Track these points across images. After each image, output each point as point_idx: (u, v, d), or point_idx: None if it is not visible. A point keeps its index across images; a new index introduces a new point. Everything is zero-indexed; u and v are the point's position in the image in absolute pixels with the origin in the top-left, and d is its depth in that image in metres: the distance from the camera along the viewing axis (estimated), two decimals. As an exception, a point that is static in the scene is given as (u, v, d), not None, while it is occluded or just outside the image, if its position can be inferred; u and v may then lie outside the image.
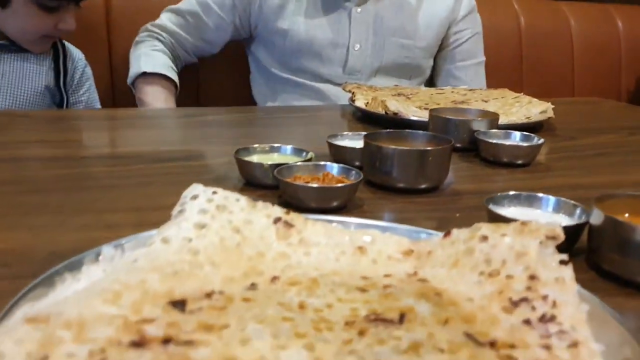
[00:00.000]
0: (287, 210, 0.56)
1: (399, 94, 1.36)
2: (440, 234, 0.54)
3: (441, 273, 0.50)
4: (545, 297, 0.43)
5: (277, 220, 0.55)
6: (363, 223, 0.59)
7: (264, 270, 0.49)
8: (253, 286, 0.46)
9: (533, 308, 0.43)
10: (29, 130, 1.09)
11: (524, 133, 0.97)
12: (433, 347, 0.37)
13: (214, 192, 0.56)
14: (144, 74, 1.51)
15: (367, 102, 1.25)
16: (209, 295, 0.43)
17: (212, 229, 0.52)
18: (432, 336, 0.39)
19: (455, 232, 0.53)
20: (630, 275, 0.53)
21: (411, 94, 1.37)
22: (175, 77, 1.56)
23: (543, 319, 0.41)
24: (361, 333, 0.39)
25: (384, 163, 0.77)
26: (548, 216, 0.64)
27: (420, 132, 0.86)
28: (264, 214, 0.56)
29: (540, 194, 0.66)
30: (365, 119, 1.26)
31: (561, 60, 2.23)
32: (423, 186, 0.78)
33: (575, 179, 0.90)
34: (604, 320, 0.43)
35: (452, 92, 1.42)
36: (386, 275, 0.50)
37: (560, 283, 0.44)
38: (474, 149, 0.98)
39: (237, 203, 0.56)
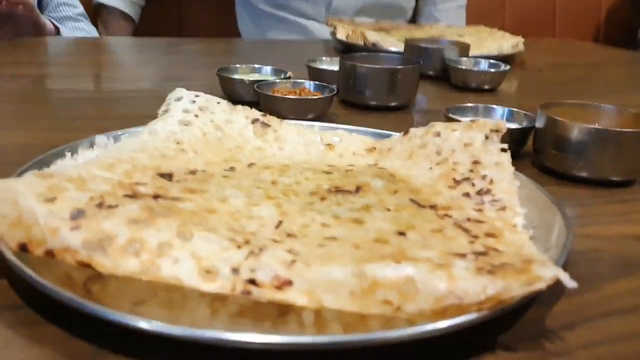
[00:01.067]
0: (264, 113, 0.62)
1: (379, 29, 1.40)
2: (401, 134, 0.61)
3: (398, 164, 0.57)
4: (484, 177, 0.50)
5: (255, 120, 0.61)
6: (333, 126, 0.65)
7: (241, 159, 0.55)
8: (232, 169, 0.52)
9: (473, 185, 0.49)
10: (11, 54, 1.13)
11: (492, 61, 1.03)
12: (382, 208, 0.44)
13: (197, 95, 0.62)
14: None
15: (348, 35, 1.30)
16: (192, 172, 0.49)
17: (195, 125, 0.58)
18: (382, 201, 0.46)
19: (412, 130, 0.60)
20: (566, 168, 0.60)
21: (391, 29, 1.41)
22: (132, 12, 1.62)
23: (480, 192, 0.48)
24: (322, 199, 0.46)
25: (357, 82, 0.83)
26: (502, 125, 0.71)
27: (393, 55, 0.91)
28: (243, 115, 0.62)
29: (495, 105, 0.72)
30: (345, 51, 1.30)
31: (543, 6, 2.27)
32: (393, 104, 0.84)
33: (535, 103, 0.96)
34: (531, 193, 0.50)
35: (431, 27, 1.47)
36: (350, 165, 0.56)
37: (499, 166, 0.51)
38: (446, 77, 1.04)
39: (219, 105, 0.62)
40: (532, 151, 0.66)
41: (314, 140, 0.61)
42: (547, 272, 0.31)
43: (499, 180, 0.49)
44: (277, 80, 0.81)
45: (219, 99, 0.62)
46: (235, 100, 0.82)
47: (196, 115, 0.59)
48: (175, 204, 0.40)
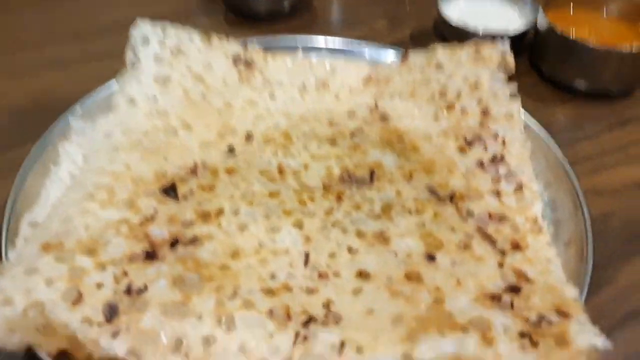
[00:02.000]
0: (243, 45, 0.56)
1: None
2: (398, 61, 0.56)
3: (400, 106, 0.53)
4: (496, 136, 0.48)
5: (236, 59, 0.55)
6: (320, 44, 0.59)
7: (236, 126, 0.50)
8: (231, 151, 0.48)
9: (485, 148, 0.48)
10: None
11: None
12: (402, 208, 0.43)
13: (163, 31, 0.54)
14: None
15: None
16: (193, 171, 0.46)
17: (174, 81, 0.52)
18: (400, 194, 0.44)
19: (412, 57, 0.55)
20: (566, 80, 0.58)
21: None
22: None
23: (494, 160, 0.47)
24: (339, 198, 0.44)
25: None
26: (497, 11, 0.65)
27: None
28: (221, 53, 0.55)
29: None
30: None
31: None
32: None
33: None
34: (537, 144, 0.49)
35: None
36: (350, 114, 0.53)
37: (509, 118, 0.49)
38: None
39: (192, 44, 0.54)
40: (529, 45, 0.62)
41: (305, 76, 0.56)
42: (584, 340, 0.33)
43: (511, 141, 0.48)
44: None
45: (189, 33, 0.55)
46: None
47: (170, 65, 0.53)
48: (196, 253, 0.39)
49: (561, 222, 0.44)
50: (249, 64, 0.55)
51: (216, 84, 0.53)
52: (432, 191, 0.45)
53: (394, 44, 0.59)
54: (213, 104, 0.52)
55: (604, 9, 0.61)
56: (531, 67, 0.62)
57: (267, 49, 0.56)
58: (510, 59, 0.51)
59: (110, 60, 0.56)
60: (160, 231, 0.40)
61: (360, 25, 0.67)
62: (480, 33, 0.59)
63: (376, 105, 0.54)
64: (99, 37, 0.65)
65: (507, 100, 0.50)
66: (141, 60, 0.52)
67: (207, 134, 0.49)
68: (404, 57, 0.55)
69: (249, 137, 0.50)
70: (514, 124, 0.49)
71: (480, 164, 0.47)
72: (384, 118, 0.52)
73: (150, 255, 0.38)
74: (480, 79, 0.51)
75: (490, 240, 0.41)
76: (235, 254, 0.39)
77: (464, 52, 0.53)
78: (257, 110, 0.52)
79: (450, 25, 0.61)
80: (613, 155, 0.52)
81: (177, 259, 0.38)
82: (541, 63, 0.60)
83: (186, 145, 0.48)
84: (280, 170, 0.46)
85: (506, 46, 0.53)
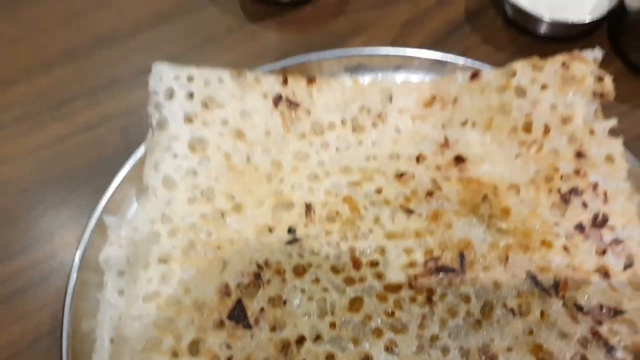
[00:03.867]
0: (282, 78, 0.46)
1: None
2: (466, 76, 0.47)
3: (475, 141, 0.46)
4: (595, 187, 0.42)
5: (277, 100, 0.46)
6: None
7: (291, 196, 0.43)
8: (292, 235, 0.42)
9: (584, 205, 0.41)
10: None
11: None
12: (504, 308, 0.38)
13: (190, 79, 0.45)
14: None
15: None
16: (257, 275, 0.40)
17: (212, 145, 0.44)
18: (499, 287, 0.39)
19: (485, 75, 0.46)
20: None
21: None
22: None
23: (596, 222, 0.41)
24: (430, 300, 0.39)
25: None
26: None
27: None
28: (258, 93, 0.46)
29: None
30: None
31: None
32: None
33: None
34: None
35: None
36: (419, 160, 0.45)
37: (610, 163, 0.42)
38: None
39: (222, 87, 0.46)
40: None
41: (357, 111, 0.47)
42: None
43: (613, 194, 0.41)
44: None
45: (219, 73, 0.46)
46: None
47: (204, 123, 0.44)
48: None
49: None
50: (292, 104, 0.46)
51: (259, 138, 0.45)
52: (534, 279, 0.39)
53: (448, 21, 0.50)
54: (260, 167, 0.45)
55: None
56: (613, 52, 0.52)
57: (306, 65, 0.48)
58: (609, 82, 0.43)
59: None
60: (242, 379, 0.36)
61: (403, 2, 0.56)
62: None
63: (446, 140, 0.46)
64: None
65: (606, 138, 0.43)
66: (169, 121, 0.44)
67: (261, 215, 0.43)
68: (473, 75, 0.47)
69: (308, 209, 0.43)
70: (615, 170, 0.42)
71: (580, 228, 0.41)
72: (459, 161, 0.45)
73: None
74: (572, 109, 0.43)
75: (607, 348, 0.37)
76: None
77: (552, 72, 0.44)
78: (310, 167, 0.45)
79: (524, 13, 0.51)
80: None
81: None
82: (630, 49, 0.51)
83: (241, 236, 0.42)
84: (355, 263, 0.41)
85: (598, 55, 0.44)
